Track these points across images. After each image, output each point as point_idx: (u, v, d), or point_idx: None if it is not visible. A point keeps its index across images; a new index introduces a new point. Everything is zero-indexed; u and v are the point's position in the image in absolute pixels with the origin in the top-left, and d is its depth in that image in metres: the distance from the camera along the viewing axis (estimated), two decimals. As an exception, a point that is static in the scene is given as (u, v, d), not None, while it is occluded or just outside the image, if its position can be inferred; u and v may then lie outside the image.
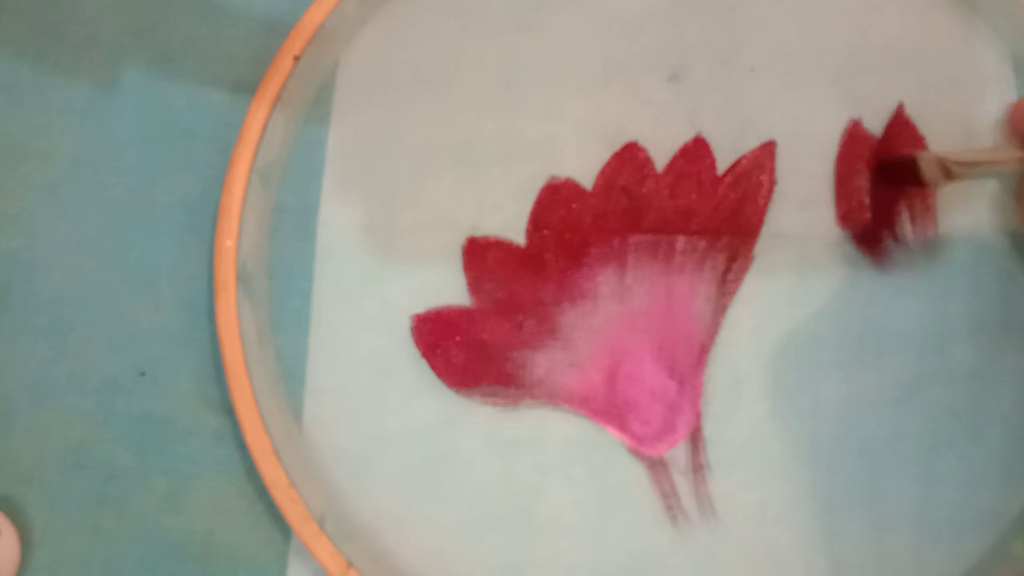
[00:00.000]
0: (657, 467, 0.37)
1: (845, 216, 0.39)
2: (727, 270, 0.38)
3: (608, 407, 0.37)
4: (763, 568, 0.36)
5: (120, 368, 0.39)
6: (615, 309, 0.38)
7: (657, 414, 0.37)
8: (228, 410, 0.38)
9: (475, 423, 0.37)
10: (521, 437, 0.37)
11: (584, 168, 0.39)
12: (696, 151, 0.39)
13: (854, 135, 0.39)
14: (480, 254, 0.39)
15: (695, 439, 0.37)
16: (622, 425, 0.37)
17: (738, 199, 0.39)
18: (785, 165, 0.39)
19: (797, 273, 0.38)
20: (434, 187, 0.40)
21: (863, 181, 0.39)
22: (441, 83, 0.41)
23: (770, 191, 0.39)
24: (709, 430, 0.37)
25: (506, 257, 0.39)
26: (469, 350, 0.38)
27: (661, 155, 0.39)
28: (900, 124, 0.39)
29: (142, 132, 0.41)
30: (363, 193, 0.40)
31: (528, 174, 0.40)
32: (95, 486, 0.38)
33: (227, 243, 0.38)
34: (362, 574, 0.35)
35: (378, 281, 0.39)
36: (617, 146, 0.40)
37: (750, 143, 0.39)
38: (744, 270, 0.38)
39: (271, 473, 0.36)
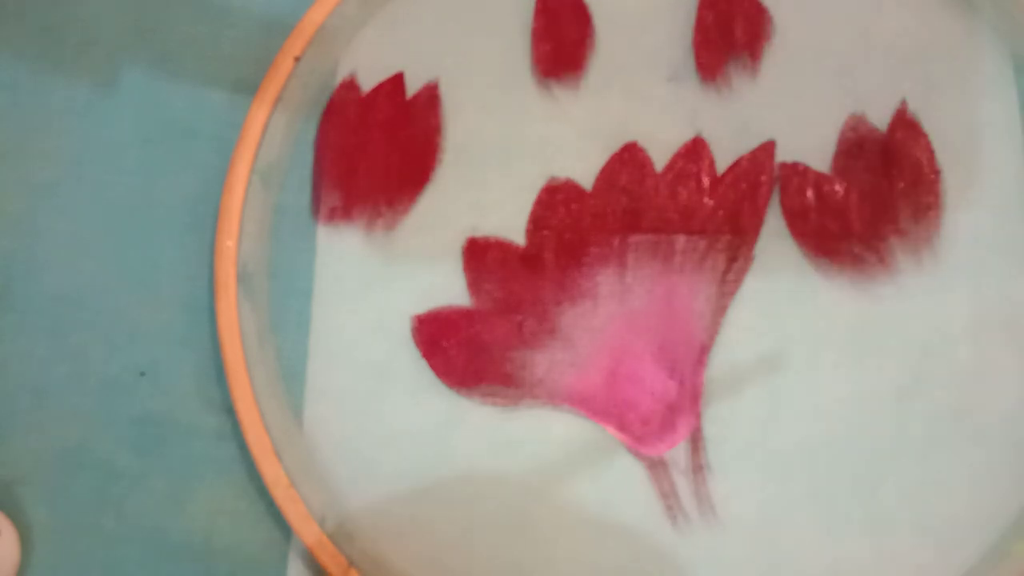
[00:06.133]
0: (657, 467, 0.37)
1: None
2: (727, 270, 0.38)
3: (608, 407, 0.37)
4: (763, 568, 0.36)
5: (120, 368, 0.39)
6: (615, 309, 0.38)
7: (657, 414, 0.37)
8: (228, 410, 0.38)
9: (475, 423, 0.37)
10: (521, 437, 0.37)
11: (584, 168, 0.39)
12: (696, 151, 0.39)
13: (856, 130, 0.39)
14: (480, 254, 0.39)
15: (695, 439, 0.37)
16: (622, 425, 0.37)
17: (738, 199, 0.39)
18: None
19: (797, 273, 0.38)
20: (434, 187, 0.40)
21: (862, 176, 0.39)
22: (441, 83, 0.41)
23: (770, 191, 0.39)
24: (709, 430, 0.37)
25: (506, 257, 0.39)
26: (469, 350, 0.38)
27: (661, 155, 0.40)
28: (903, 122, 0.39)
29: (142, 132, 0.41)
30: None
31: (528, 174, 0.40)
32: (95, 486, 0.38)
33: (228, 243, 0.38)
34: (362, 574, 0.35)
35: (378, 281, 0.39)
36: (617, 146, 0.40)
37: (750, 143, 0.39)
38: (744, 270, 0.38)
39: (271, 473, 0.36)
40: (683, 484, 0.37)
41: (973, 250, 0.38)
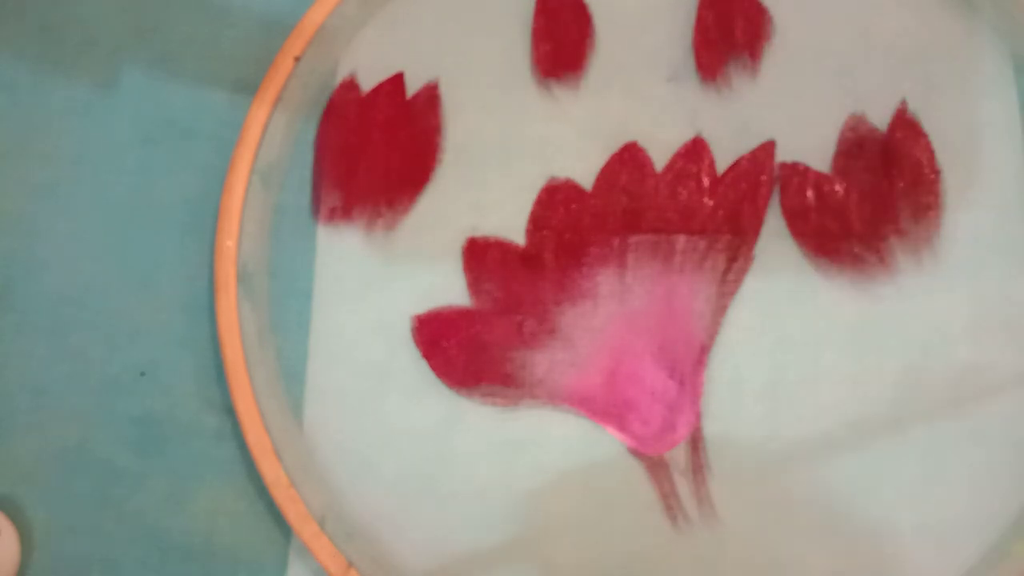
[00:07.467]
0: (657, 467, 0.37)
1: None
2: (727, 270, 0.38)
3: (608, 407, 0.37)
4: (763, 569, 0.36)
5: (120, 368, 0.39)
6: (615, 309, 0.38)
7: (657, 414, 0.37)
8: (228, 410, 0.38)
9: (475, 423, 0.37)
10: (521, 437, 0.37)
11: (584, 168, 0.39)
12: (696, 151, 0.39)
13: (856, 130, 0.39)
14: (480, 254, 0.39)
15: (695, 439, 0.37)
16: (622, 425, 0.37)
17: (738, 199, 0.39)
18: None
19: (797, 273, 0.38)
20: (434, 187, 0.40)
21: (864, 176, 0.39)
22: (441, 83, 0.41)
23: (770, 191, 0.39)
24: (709, 430, 0.37)
25: (506, 257, 0.39)
26: (469, 350, 0.38)
27: (661, 155, 0.40)
28: (903, 122, 0.39)
29: (142, 132, 0.41)
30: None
31: (528, 174, 0.40)
32: (95, 486, 0.38)
33: (228, 243, 0.38)
34: (362, 574, 0.35)
35: (378, 281, 0.39)
36: (617, 146, 0.40)
37: (750, 143, 0.39)
38: (744, 270, 0.38)
39: (271, 473, 0.36)
40: (683, 484, 0.37)
41: (973, 250, 0.38)
